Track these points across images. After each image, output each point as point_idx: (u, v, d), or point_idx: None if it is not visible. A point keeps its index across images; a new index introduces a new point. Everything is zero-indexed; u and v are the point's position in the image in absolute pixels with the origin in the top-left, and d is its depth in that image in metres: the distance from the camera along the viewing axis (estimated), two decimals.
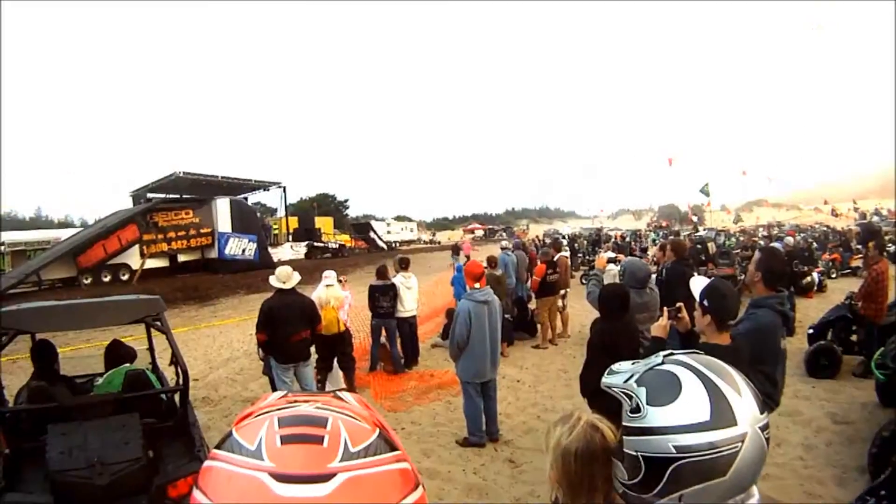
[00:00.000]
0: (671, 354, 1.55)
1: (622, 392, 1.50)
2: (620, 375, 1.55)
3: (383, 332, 10.50)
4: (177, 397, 5.42)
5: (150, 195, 38.49)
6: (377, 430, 1.00)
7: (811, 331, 9.90)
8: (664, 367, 1.48)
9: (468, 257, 18.13)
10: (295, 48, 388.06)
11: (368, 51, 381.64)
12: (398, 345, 10.63)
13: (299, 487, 0.83)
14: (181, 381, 5.17)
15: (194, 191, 37.97)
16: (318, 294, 9.00)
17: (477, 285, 6.86)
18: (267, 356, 8.02)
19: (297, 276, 7.83)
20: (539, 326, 12.27)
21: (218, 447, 0.95)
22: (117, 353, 6.08)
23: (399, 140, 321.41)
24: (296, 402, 1.07)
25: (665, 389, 1.40)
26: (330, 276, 9.40)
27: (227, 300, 23.66)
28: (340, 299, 9.28)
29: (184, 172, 34.66)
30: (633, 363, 1.59)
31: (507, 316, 10.69)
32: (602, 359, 4.46)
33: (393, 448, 0.98)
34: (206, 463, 0.93)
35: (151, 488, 4.13)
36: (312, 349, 8.18)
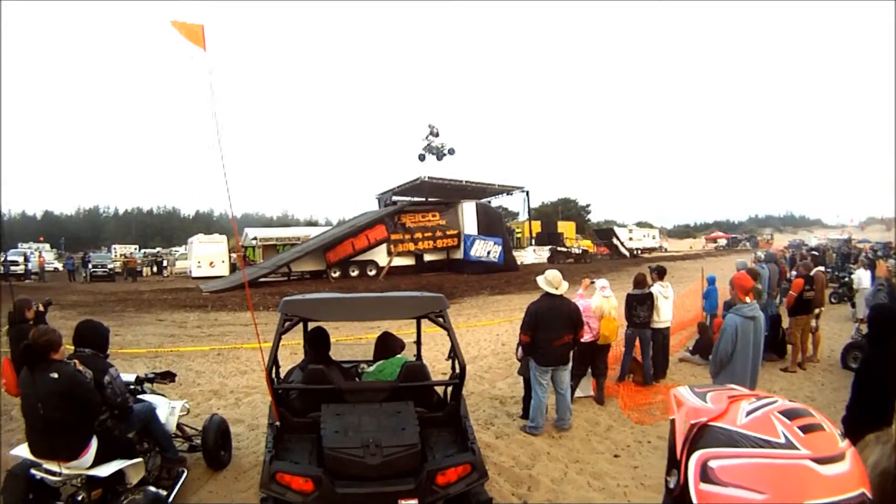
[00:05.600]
0: None
1: None
2: None
3: (636, 342, 10.07)
4: (449, 389, 5.62)
5: (395, 198, 40.11)
6: None
7: None
8: None
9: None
10: (539, 55, 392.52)
11: (611, 56, 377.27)
12: (649, 356, 10.09)
13: (833, 466, 0.98)
14: (458, 375, 5.33)
15: (438, 194, 39.18)
16: (597, 304, 9.02)
17: (747, 299, 6.26)
18: (525, 357, 7.92)
19: (566, 284, 7.79)
20: (789, 347, 11.29)
21: (713, 446, 1.07)
22: (387, 344, 6.23)
23: (641, 143, 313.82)
24: (744, 397, 1.16)
25: None
26: (605, 285, 9.44)
27: (471, 300, 23.82)
28: (617, 308, 9.25)
29: (429, 177, 36.10)
30: None
31: None
32: (868, 390, 4.46)
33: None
34: (719, 462, 1.04)
35: (421, 474, 4.25)
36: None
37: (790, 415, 1.06)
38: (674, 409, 1.25)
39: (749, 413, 1.09)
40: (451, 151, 36.03)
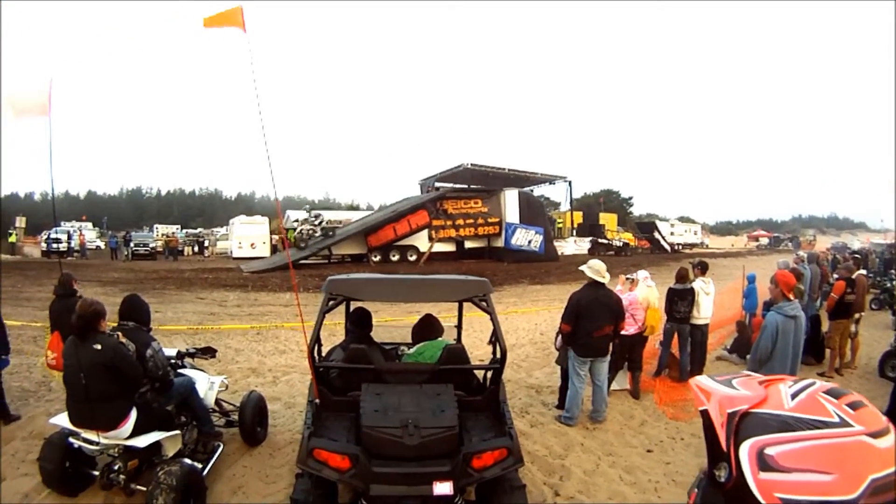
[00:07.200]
0: None
1: None
2: None
3: (675, 337, 9.93)
4: (488, 374, 5.61)
5: (438, 184, 40.22)
6: None
7: None
8: None
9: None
10: (588, 47, 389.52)
11: (655, 49, 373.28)
12: (687, 352, 9.95)
13: (885, 439, 1.02)
14: (499, 360, 5.27)
15: (480, 182, 39.32)
16: (644, 295, 9.11)
17: (791, 297, 6.17)
18: (564, 346, 7.89)
19: (608, 276, 7.78)
20: (828, 352, 10.97)
21: (764, 433, 1.08)
22: (430, 326, 6.18)
23: (686, 138, 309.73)
24: (778, 381, 1.20)
25: None
26: (647, 275, 9.61)
27: (511, 288, 23.71)
28: (659, 298, 9.40)
29: (471, 164, 36.21)
30: None
31: None
32: None
33: None
34: (777, 449, 1.05)
35: (458, 456, 4.23)
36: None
37: (835, 394, 1.11)
38: (702, 400, 1.27)
39: (794, 396, 1.13)
40: (329, 234, 33.76)
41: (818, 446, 1.02)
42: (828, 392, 1.11)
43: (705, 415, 1.23)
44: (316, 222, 33.37)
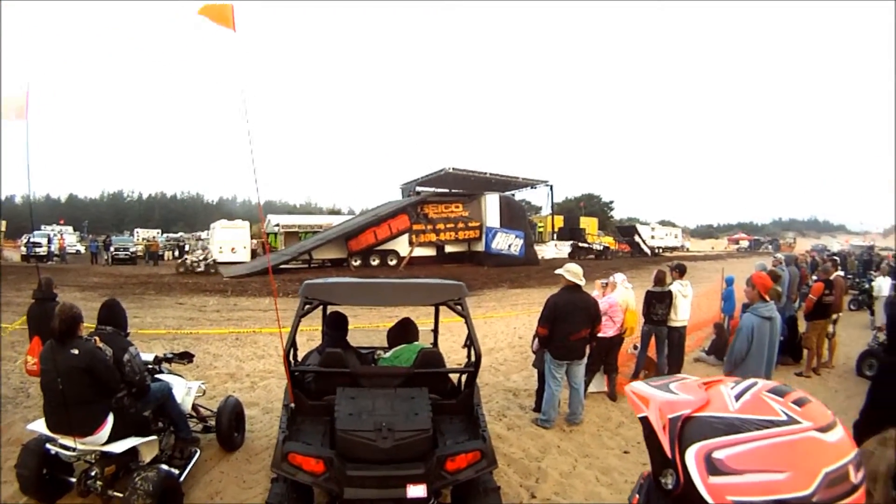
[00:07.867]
0: None
1: None
2: None
3: (652, 340, 10.02)
4: (463, 378, 5.72)
5: (419, 188, 40.34)
6: None
7: None
8: None
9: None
10: (567, 51, 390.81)
11: (638, 54, 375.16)
12: (664, 355, 10.01)
13: (833, 433, 1.02)
14: (473, 363, 5.33)
15: (462, 186, 39.63)
16: (624, 297, 9.24)
17: (767, 298, 6.31)
18: (540, 349, 7.93)
19: (584, 280, 7.78)
20: (805, 352, 11.13)
21: (710, 437, 1.07)
22: (406, 330, 6.21)
23: (667, 142, 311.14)
24: (718, 383, 1.19)
25: None
26: (624, 277, 9.71)
27: (490, 292, 23.80)
28: (634, 300, 9.58)
29: (453, 168, 36.36)
30: None
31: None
32: (884, 396, 4.46)
33: None
34: (725, 452, 1.04)
35: (432, 458, 4.25)
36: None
37: (778, 392, 1.09)
38: (640, 407, 1.23)
39: (738, 397, 1.10)
40: (212, 271, 32.46)
41: (768, 445, 1.00)
42: (772, 391, 1.09)
43: (645, 422, 1.21)
44: (200, 256, 32.85)
